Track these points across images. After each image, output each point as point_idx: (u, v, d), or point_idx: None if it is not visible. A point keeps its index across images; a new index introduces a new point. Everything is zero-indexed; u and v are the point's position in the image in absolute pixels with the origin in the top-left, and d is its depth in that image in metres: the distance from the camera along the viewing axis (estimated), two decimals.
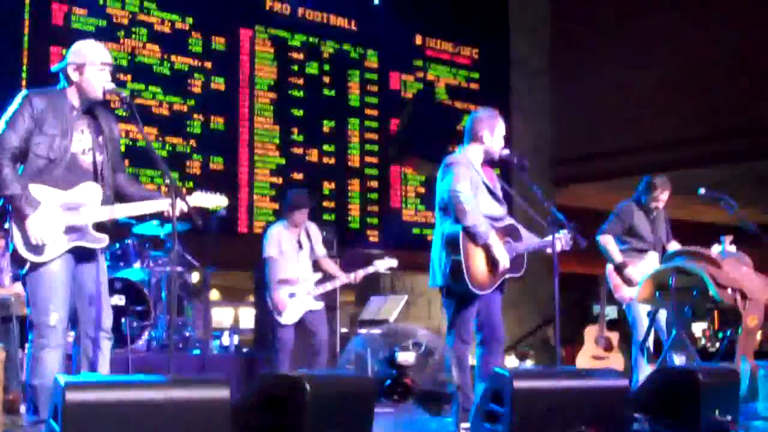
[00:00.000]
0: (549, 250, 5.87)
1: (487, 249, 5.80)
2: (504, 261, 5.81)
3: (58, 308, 4.76)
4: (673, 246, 7.45)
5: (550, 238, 5.83)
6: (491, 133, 6.00)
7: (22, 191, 4.68)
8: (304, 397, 4.04)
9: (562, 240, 5.92)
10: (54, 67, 5.06)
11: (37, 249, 4.71)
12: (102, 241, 4.92)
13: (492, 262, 5.81)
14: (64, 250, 4.79)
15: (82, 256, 4.91)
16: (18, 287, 6.79)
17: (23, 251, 4.72)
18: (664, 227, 7.59)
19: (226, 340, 9.46)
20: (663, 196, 7.49)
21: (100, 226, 4.92)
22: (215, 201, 5.27)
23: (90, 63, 4.91)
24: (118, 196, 5.10)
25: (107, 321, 4.98)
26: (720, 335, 15.35)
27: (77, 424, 3.53)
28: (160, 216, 5.22)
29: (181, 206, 4.82)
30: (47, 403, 4.54)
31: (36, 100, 4.81)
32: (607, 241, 7.38)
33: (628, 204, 7.54)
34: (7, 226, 4.78)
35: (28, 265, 4.74)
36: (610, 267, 7.42)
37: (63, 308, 4.78)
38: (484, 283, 5.80)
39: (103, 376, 4.69)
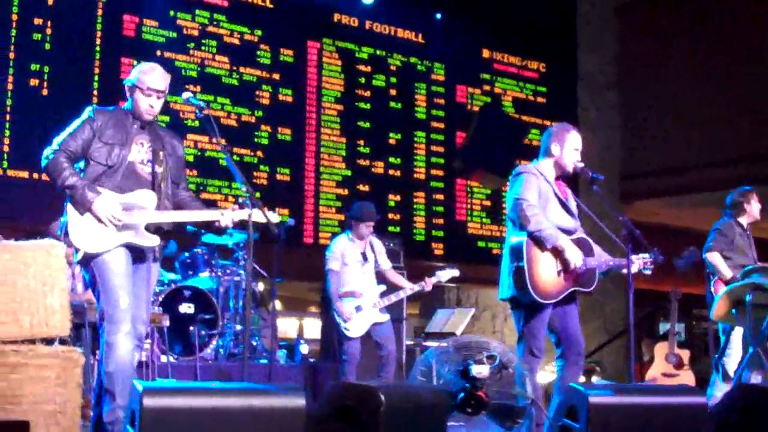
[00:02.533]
0: (624, 270, 5.79)
1: (556, 253, 5.70)
2: (576, 260, 5.68)
3: (126, 293, 4.92)
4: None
5: (625, 258, 5.75)
6: (561, 146, 5.95)
7: (82, 182, 4.92)
8: (379, 408, 4.02)
9: (640, 262, 5.84)
10: (124, 81, 5.28)
11: (93, 236, 4.89)
12: (153, 241, 5.09)
13: (563, 266, 5.71)
14: (116, 244, 4.96)
15: (135, 258, 5.09)
16: (90, 294, 6.86)
17: (78, 241, 4.89)
18: (754, 245, 7.59)
19: (304, 349, 9.48)
20: (757, 206, 7.53)
21: (155, 230, 5.11)
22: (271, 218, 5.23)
23: (138, 86, 5.14)
24: (177, 210, 5.27)
25: (142, 328, 5.14)
26: None
27: (154, 430, 3.54)
28: (210, 227, 5.31)
29: (255, 215, 4.90)
30: (124, 390, 4.65)
31: (98, 114, 5.10)
32: (715, 257, 7.44)
33: (728, 220, 7.57)
34: (64, 218, 4.98)
35: (81, 254, 4.90)
36: (715, 284, 7.39)
37: (130, 295, 4.94)
38: (548, 291, 5.67)
39: (181, 382, 4.72)
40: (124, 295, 4.89)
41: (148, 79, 5.11)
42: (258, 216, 5.05)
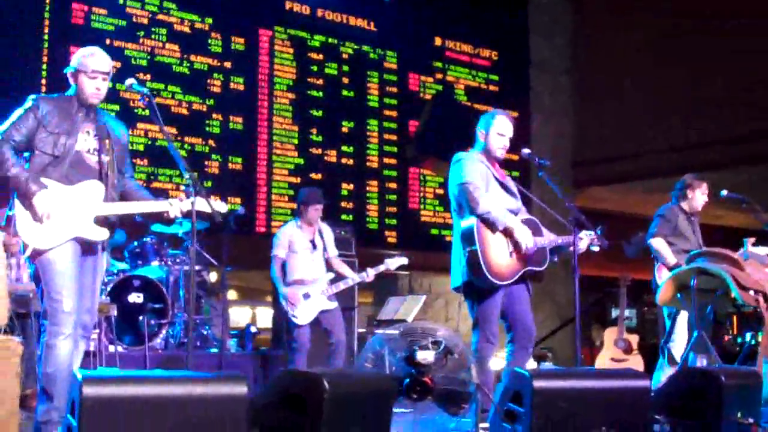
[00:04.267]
0: (571, 249, 5.84)
1: (507, 233, 5.75)
2: (527, 241, 5.74)
3: (70, 294, 4.82)
4: None
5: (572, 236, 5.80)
6: (486, 132, 6.01)
7: (26, 173, 4.81)
8: (323, 396, 4.00)
9: (587, 238, 5.90)
10: (65, 69, 5.15)
11: (41, 232, 4.78)
12: (102, 234, 5.01)
13: (514, 247, 5.76)
14: (65, 239, 4.86)
15: (84, 250, 4.99)
16: None
17: (27, 236, 4.80)
18: (699, 231, 7.64)
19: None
20: (700, 197, 7.56)
21: (103, 222, 5.02)
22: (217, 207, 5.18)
23: (81, 71, 5.02)
24: (124, 199, 5.19)
25: (87, 318, 5.05)
26: (739, 339, 15.25)
27: (94, 419, 3.51)
28: (161, 218, 5.24)
29: (199, 203, 4.87)
30: (62, 392, 4.60)
31: (41, 103, 4.98)
32: (659, 243, 7.46)
33: (671, 206, 7.60)
34: (10, 212, 4.87)
35: (30, 251, 4.80)
36: (658, 270, 7.44)
37: (75, 295, 4.85)
38: (503, 273, 5.73)
39: (122, 371, 4.68)
40: (68, 296, 4.79)
41: (91, 62, 5.01)
42: (202, 204, 5.00)
